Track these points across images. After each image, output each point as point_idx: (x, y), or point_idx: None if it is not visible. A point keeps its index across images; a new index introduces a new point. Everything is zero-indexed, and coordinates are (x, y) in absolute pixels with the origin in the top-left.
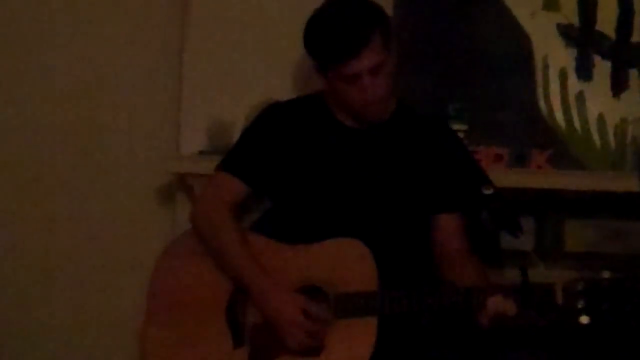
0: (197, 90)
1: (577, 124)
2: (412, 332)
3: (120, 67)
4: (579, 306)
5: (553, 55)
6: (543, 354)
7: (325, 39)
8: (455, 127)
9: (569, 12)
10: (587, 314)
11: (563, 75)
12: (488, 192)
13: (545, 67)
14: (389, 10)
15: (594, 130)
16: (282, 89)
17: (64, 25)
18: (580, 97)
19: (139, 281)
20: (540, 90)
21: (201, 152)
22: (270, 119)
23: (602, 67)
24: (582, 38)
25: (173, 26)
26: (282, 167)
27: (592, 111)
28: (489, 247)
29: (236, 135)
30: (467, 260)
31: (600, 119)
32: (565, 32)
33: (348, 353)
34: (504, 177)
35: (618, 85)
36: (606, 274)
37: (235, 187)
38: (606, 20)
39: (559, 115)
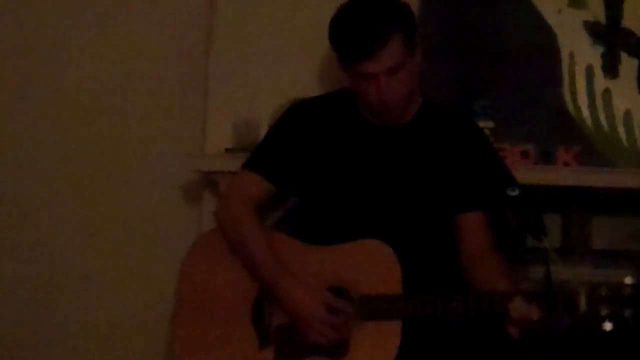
0: (223, 88)
1: (603, 121)
2: (436, 336)
3: (146, 65)
4: (602, 313)
5: (579, 52)
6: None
7: (345, 36)
8: (481, 124)
9: (596, 9)
10: (610, 321)
11: (589, 72)
12: (513, 193)
13: (572, 64)
14: (414, 6)
15: (621, 127)
16: (308, 87)
17: (92, 24)
18: (606, 94)
19: (166, 279)
20: (566, 88)
21: (227, 150)
22: (297, 117)
23: (629, 64)
24: (608, 35)
25: (199, 25)
26: (308, 165)
27: (619, 108)
28: (514, 246)
29: (262, 133)
30: (491, 259)
31: (627, 115)
32: (592, 29)
33: (372, 355)
34: (530, 174)
35: None
36: (629, 280)
37: (258, 185)
38: (633, 17)
39: (585, 113)
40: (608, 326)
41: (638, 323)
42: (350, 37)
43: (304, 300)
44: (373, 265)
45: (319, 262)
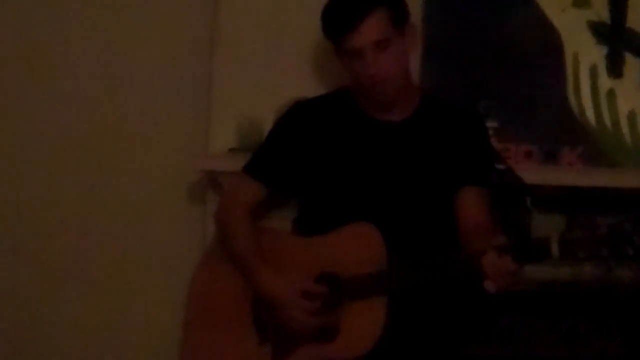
0: (227, 88)
1: (607, 121)
2: (423, 308)
3: (150, 65)
4: (580, 255)
5: (583, 52)
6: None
7: (330, 14)
8: (486, 124)
9: (600, 8)
10: (589, 261)
11: (594, 72)
12: (501, 167)
13: (576, 64)
14: (418, 6)
15: (625, 128)
16: (312, 87)
17: (95, 21)
18: (610, 94)
19: (170, 279)
20: (570, 88)
21: (231, 150)
22: (296, 117)
23: (633, 64)
24: (612, 35)
25: (203, 24)
26: (309, 165)
27: (623, 108)
28: (519, 239)
29: (266, 133)
30: (486, 233)
31: (631, 116)
32: (596, 29)
33: (359, 333)
34: (534, 174)
35: None
36: (603, 221)
37: (254, 189)
38: (637, 18)
39: (589, 113)
40: (587, 267)
41: (616, 260)
42: (334, 13)
43: (280, 290)
44: (359, 247)
45: (311, 252)
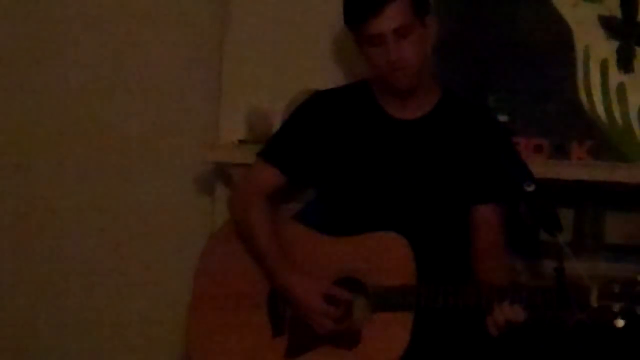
0: (237, 80)
1: (617, 116)
2: (447, 328)
3: (160, 56)
4: (615, 309)
5: (594, 46)
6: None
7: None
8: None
9: (611, 3)
10: (622, 318)
11: (604, 67)
12: (529, 189)
13: (586, 58)
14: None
15: (635, 122)
16: (322, 79)
17: (105, 13)
18: (621, 88)
19: (179, 270)
20: (581, 82)
21: (240, 142)
22: (314, 108)
23: None
24: (623, 29)
25: (213, 15)
26: (324, 157)
27: (633, 103)
28: (528, 240)
29: (276, 125)
30: (494, 255)
31: None
32: (607, 24)
33: (382, 346)
34: (543, 168)
35: None
36: None
37: (271, 175)
38: None
39: (599, 107)
40: (620, 323)
41: None
42: None
43: (301, 291)
44: (388, 257)
45: (333, 253)
